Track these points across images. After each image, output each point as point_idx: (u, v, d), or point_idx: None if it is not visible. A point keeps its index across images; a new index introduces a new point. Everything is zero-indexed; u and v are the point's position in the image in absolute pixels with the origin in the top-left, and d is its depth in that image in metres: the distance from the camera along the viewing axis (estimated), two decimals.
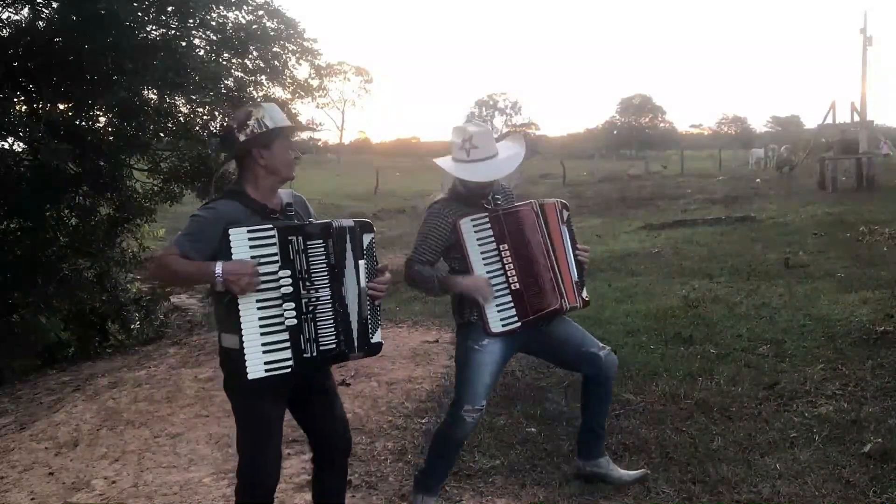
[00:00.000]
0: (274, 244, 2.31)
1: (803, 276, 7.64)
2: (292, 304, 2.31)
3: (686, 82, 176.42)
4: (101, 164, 7.27)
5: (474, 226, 2.94)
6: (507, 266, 2.95)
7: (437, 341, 5.91)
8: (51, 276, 7.03)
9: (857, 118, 19.90)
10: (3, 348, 6.96)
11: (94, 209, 7.63)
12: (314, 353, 2.35)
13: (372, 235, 2.50)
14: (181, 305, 9.70)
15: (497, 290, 2.95)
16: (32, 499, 3.62)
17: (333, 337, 2.38)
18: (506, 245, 2.95)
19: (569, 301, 3.01)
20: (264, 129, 2.39)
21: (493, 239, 2.95)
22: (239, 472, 2.51)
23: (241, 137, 2.41)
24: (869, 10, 35.07)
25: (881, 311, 5.77)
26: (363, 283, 2.45)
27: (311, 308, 2.34)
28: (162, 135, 7.77)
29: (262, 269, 2.28)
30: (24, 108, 7.06)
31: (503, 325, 2.95)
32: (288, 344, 2.31)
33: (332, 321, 2.38)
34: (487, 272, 2.94)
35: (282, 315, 2.30)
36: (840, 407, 3.97)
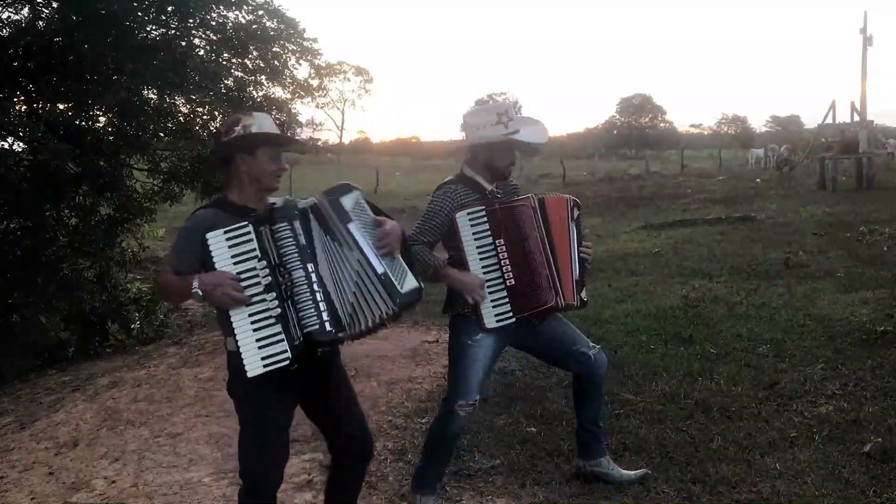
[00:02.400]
0: (251, 240, 2.30)
1: (803, 275, 7.64)
2: (273, 294, 2.29)
3: (686, 82, 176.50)
4: (101, 164, 7.27)
5: (470, 219, 2.92)
6: (502, 261, 2.93)
7: (437, 341, 5.91)
8: (51, 276, 7.03)
9: (857, 118, 19.91)
10: (3, 348, 6.95)
11: (94, 209, 7.63)
12: (300, 339, 2.30)
13: (355, 194, 2.42)
14: (181, 305, 9.69)
15: (492, 285, 2.93)
16: (32, 499, 3.62)
17: (315, 316, 2.30)
18: (502, 240, 2.93)
19: (565, 298, 2.99)
20: (245, 133, 2.41)
21: (489, 233, 2.93)
22: (243, 474, 2.50)
23: (223, 139, 2.45)
24: (869, 10, 35.06)
25: (881, 311, 5.78)
26: (364, 244, 2.38)
27: (288, 292, 2.31)
28: (162, 135, 7.77)
29: (246, 266, 2.28)
30: (24, 108, 7.06)
31: (497, 321, 2.94)
32: (282, 336, 2.29)
33: (310, 300, 2.30)
34: (483, 267, 2.93)
35: (268, 307, 2.29)
36: (840, 407, 3.97)
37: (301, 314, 2.31)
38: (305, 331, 2.31)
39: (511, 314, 2.95)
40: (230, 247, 2.28)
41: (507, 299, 2.94)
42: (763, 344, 5.19)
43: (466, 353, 2.98)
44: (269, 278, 2.29)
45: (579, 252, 3.07)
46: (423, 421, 4.20)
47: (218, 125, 7.86)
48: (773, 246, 9.81)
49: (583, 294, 3.10)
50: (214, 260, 2.28)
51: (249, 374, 2.27)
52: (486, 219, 2.93)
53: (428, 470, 3.14)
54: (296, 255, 2.32)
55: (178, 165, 7.94)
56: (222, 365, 5.61)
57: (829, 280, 7.33)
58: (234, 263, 2.28)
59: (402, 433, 4.07)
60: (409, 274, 2.44)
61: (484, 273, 2.93)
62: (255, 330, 2.28)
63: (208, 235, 2.28)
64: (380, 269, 2.37)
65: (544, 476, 3.42)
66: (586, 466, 3.30)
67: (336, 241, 2.38)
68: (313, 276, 2.33)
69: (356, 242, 2.38)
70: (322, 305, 2.32)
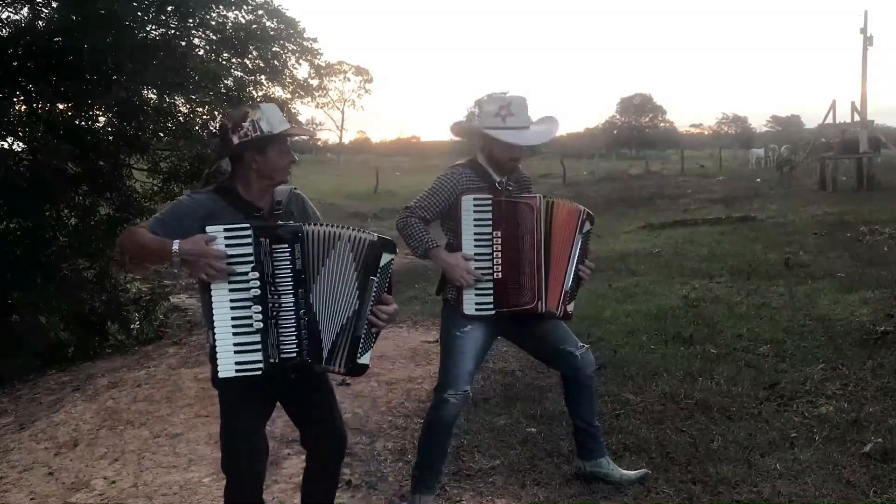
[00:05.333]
0: (249, 244, 2.26)
1: (803, 276, 7.64)
2: (259, 308, 2.26)
3: (686, 82, 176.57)
4: (101, 164, 7.27)
5: (475, 205, 2.90)
6: (495, 253, 2.91)
7: (436, 341, 5.89)
8: (51, 276, 7.03)
9: (857, 118, 19.90)
10: (3, 348, 6.95)
11: (94, 209, 7.63)
12: (276, 360, 2.29)
13: (392, 257, 2.38)
14: (181, 305, 9.69)
15: (481, 274, 2.92)
16: (32, 499, 3.62)
17: (295, 346, 2.29)
18: (499, 232, 2.91)
19: (547, 305, 2.96)
20: (258, 134, 2.34)
21: (490, 222, 2.91)
22: (223, 467, 2.50)
23: (235, 140, 2.36)
24: (869, 10, 35.02)
25: (881, 311, 5.78)
26: (369, 301, 2.35)
27: (274, 313, 2.28)
28: (162, 135, 7.78)
29: (237, 269, 2.25)
30: (24, 108, 7.06)
31: (477, 309, 2.93)
32: (259, 348, 2.27)
33: (294, 329, 2.29)
34: (476, 254, 2.91)
35: (251, 317, 2.26)
36: (840, 407, 3.97)
37: (282, 338, 2.29)
38: (282, 356, 2.29)
39: (492, 306, 2.94)
40: (227, 245, 2.24)
41: (491, 291, 2.93)
42: (763, 344, 5.19)
43: (455, 343, 2.98)
44: (259, 291, 2.26)
45: (577, 267, 3.03)
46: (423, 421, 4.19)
47: (218, 124, 7.86)
48: (773, 246, 9.81)
49: (569, 307, 3.06)
50: None
51: (221, 375, 2.27)
52: (490, 207, 2.91)
53: (424, 467, 3.12)
54: (289, 279, 2.29)
55: (177, 165, 7.95)
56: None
57: (829, 280, 7.32)
58: (228, 263, 2.25)
59: (402, 433, 4.06)
60: (370, 352, 2.42)
61: (476, 261, 2.91)
62: (234, 334, 2.26)
63: (208, 228, 2.24)
64: (358, 332, 2.36)
65: (544, 476, 3.41)
66: (586, 467, 3.30)
67: (355, 282, 2.34)
68: (302, 303, 2.30)
69: (364, 298, 2.35)
70: (304, 334, 2.31)
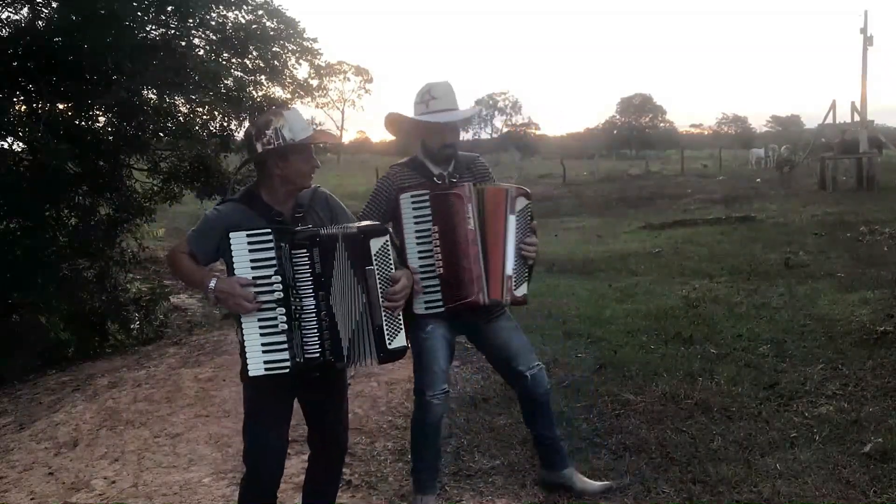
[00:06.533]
0: (271, 248, 2.33)
1: (803, 276, 7.64)
2: (283, 310, 2.34)
3: (686, 82, 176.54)
4: (101, 164, 7.28)
5: (412, 202, 2.86)
6: (435, 249, 2.85)
7: None
8: (51, 276, 7.03)
9: (857, 118, 19.92)
10: (3, 348, 6.95)
11: (94, 209, 7.64)
12: (302, 359, 2.36)
13: (384, 239, 2.41)
14: (181, 305, 9.70)
15: (426, 273, 2.86)
16: (32, 499, 3.62)
17: (318, 346, 2.37)
18: (436, 227, 2.85)
19: (489, 295, 2.89)
20: (280, 142, 2.39)
21: (430, 218, 2.85)
22: (244, 460, 2.58)
23: (259, 147, 2.42)
24: (869, 10, 35.03)
25: (881, 311, 5.77)
26: (374, 293, 2.39)
27: (297, 315, 2.35)
28: (161, 135, 7.79)
29: (262, 273, 2.32)
30: (24, 108, 7.07)
31: (426, 308, 2.89)
32: (286, 347, 2.35)
33: (316, 330, 2.36)
34: (419, 252, 2.85)
35: (276, 318, 2.34)
36: (840, 407, 3.97)
37: (305, 339, 2.36)
38: (306, 356, 2.36)
39: (441, 304, 2.89)
40: (250, 251, 2.33)
41: (438, 288, 2.88)
42: (763, 344, 5.19)
43: (423, 346, 2.94)
44: (282, 294, 2.34)
45: (520, 247, 2.94)
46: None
47: (218, 125, 7.86)
48: (773, 246, 9.81)
49: (518, 291, 2.96)
50: (234, 260, 2.33)
51: (251, 374, 2.35)
52: (428, 203, 2.86)
53: (422, 469, 3.12)
54: (310, 282, 2.36)
55: (177, 165, 7.96)
56: (222, 365, 5.64)
57: (829, 280, 7.32)
58: (252, 268, 2.33)
59: (402, 433, 4.06)
60: (402, 332, 2.46)
61: (419, 259, 2.85)
62: (262, 334, 2.34)
63: (231, 234, 2.32)
64: (377, 321, 2.40)
65: None
66: (548, 477, 3.25)
67: (354, 277, 2.39)
68: (323, 305, 2.36)
69: (367, 288, 2.39)
70: (326, 335, 2.37)
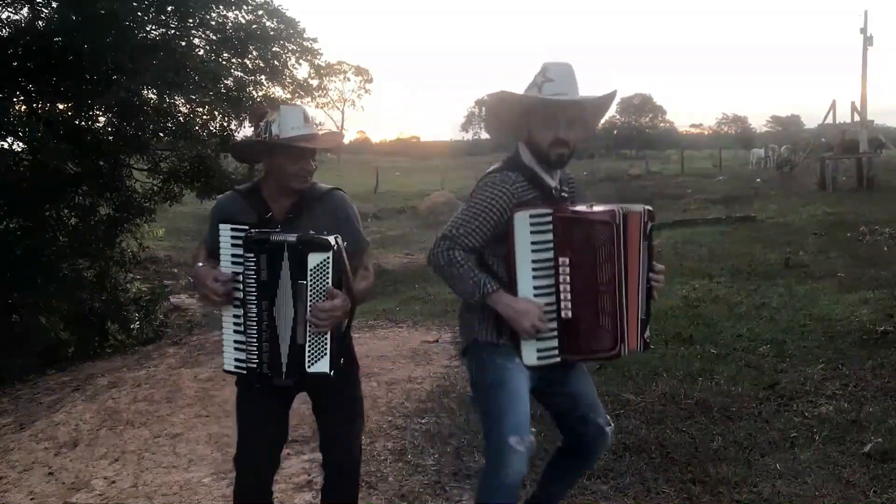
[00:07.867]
0: (240, 245, 2.29)
1: (803, 276, 7.64)
2: (240, 311, 2.29)
3: (686, 82, 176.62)
4: (101, 164, 7.28)
5: (532, 223, 2.22)
6: (562, 285, 2.24)
7: (437, 341, 5.91)
8: (51, 276, 7.04)
9: (857, 118, 19.92)
10: (3, 348, 6.95)
11: (94, 209, 7.65)
12: (251, 366, 2.30)
13: (324, 256, 2.17)
14: (181, 305, 9.70)
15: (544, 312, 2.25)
16: (32, 499, 3.62)
17: (256, 356, 2.27)
18: (567, 259, 2.23)
19: (629, 346, 2.30)
20: (266, 136, 2.32)
21: (551, 246, 2.23)
22: (234, 460, 2.53)
23: (252, 135, 2.41)
24: (869, 10, 35.03)
25: (881, 311, 5.77)
26: (305, 307, 2.20)
27: (245, 321, 2.29)
28: (162, 135, 7.79)
29: (238, 269, 2.28)
30: (24, 108, 7.07)
31: (539, 358, 2.27)
32: (244, 348, 2.31)
33: (255, 339, 2.26)
34: (535, 288, 2.24)
35: (241, 318, 2.30)
36: (840, 407, 3.97)
37: (248, 347, 2.28)
38: (248, 366, 2.30)
39: (556, 352, 2.28)
40: (232, 245, 2.29)
41: (556, 334, 2.27)
42: (763, 344, 5.19)
43: (509, 378, 2.27)
44: (242, 294, 2.27)
45: (648, 279, 2.36)
46: (423, 421, 4.19)
47: (218, 125, 7.87)
48: (773, 246, 9.81)
49: (646, 334, 2.40)
50: (221, 251, 2.31)
51: (224, 368, 2.35)
52: (551, 226, 2.22)
53: None
54: (254, 288, 2.26)
55: (177, 165, 7.96)
56: (223, 364, 5.62)
57: (829, 280, 7.32)
58: (232, 263, 2.29)
59: (402, 433, 4.06)
60: (327, 357, 2.24)
61: (535, 295, 2.24)
62: (234, 331, 2.32)
63: (221, 226, 2.31)
64: (299, 340, 2.22)
65: None
66: None
67: (291, 290, 2.22)
68: (265, 315, 2.24)
69: (297, 304, 2.21)
70: (265, 346, 2.26)
